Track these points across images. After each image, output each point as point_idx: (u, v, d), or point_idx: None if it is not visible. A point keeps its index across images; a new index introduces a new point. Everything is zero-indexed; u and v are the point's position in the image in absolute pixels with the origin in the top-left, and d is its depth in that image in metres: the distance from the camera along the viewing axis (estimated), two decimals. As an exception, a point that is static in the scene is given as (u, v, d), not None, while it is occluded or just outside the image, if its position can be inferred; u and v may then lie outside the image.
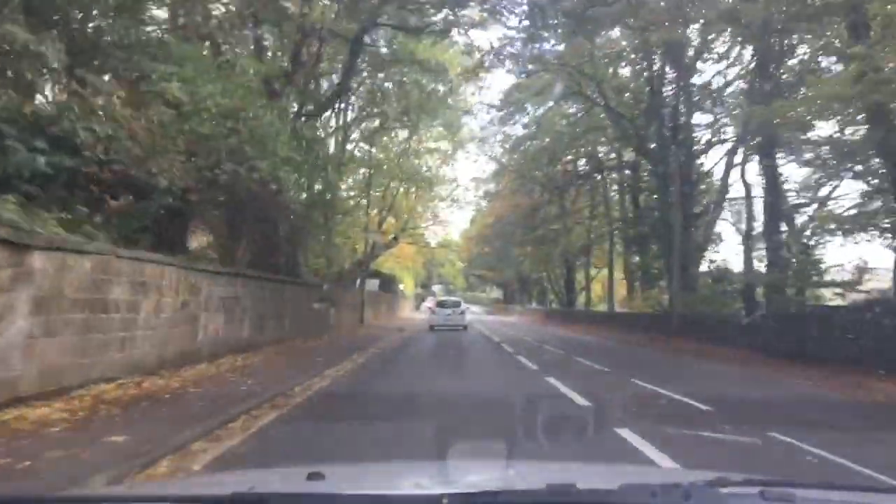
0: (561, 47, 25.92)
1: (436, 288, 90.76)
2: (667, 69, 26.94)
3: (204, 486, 2.30)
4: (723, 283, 22.82)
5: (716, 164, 27.28)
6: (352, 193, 34.01)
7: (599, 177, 40.30)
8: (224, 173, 10.72)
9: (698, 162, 27.61)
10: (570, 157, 42.23)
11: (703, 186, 27.05)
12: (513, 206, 49.65)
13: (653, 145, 27.50)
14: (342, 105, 30.06)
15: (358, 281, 35.67)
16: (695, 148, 26.57)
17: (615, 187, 41.14)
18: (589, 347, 20.61)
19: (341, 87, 22.76)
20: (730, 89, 26.65)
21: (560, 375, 11.15)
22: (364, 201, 36.79)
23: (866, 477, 4.96)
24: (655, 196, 31.34)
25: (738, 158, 26.29)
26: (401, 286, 58.29)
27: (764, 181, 21.05)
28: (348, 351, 14.73)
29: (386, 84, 29.51)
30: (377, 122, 33.21)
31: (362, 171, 32.29)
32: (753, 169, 34.28)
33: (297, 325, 17.27)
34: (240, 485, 1.64)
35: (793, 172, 27.08)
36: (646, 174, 32.63)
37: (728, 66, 25.17)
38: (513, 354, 16.59)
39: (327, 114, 26.49)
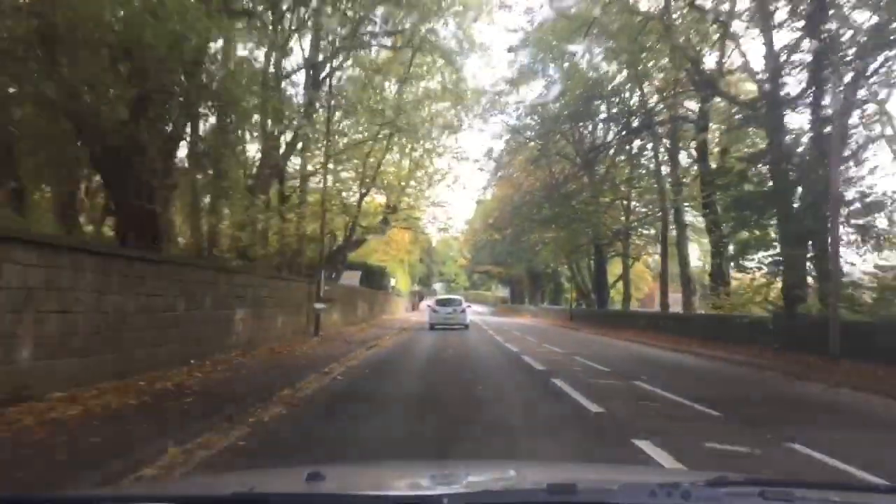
0: None
1: (437, 286, 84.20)
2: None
3: (204, 486, 2.27)
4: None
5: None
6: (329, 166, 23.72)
7: (648, 136, 30.28)
8: None
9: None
10: (603, 116, 32.77)
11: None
12: (530, 181, 39.80)
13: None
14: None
15: (333, 273, 25.98)
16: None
17: (664, 152, 30.96)
18: (735, 390, 10.79)
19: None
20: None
21: None
22: (345, 173, 26.97)
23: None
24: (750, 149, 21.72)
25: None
26: (392, 282, 48.22)
27: None
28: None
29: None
30: (352, 64, 23.45)
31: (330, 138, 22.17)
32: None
33: (88, 351, 7.49)
34: (240, 485, 1.62)
35: None
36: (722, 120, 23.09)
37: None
38: (632, 440, 6.70)
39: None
